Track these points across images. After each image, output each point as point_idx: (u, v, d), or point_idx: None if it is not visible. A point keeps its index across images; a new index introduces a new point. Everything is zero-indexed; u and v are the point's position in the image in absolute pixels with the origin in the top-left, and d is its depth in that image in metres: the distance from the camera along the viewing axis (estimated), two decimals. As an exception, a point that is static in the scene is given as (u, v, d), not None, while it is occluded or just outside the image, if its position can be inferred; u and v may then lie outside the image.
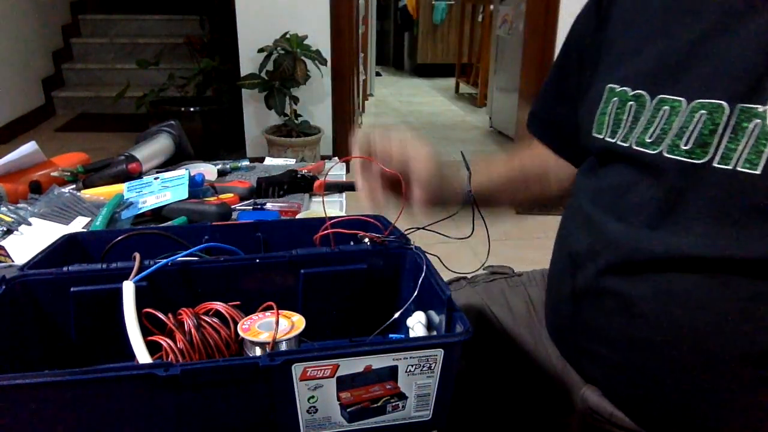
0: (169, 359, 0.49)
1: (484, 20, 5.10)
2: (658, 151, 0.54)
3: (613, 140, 0.59)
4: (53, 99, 4.45)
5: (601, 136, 0.61)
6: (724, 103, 0.49)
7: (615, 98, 0.60)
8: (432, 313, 0.57)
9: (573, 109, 0.69)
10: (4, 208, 0.87)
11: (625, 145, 0.57)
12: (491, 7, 4.60)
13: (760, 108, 0.47)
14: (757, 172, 0.47)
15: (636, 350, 0.56)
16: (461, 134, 4.36)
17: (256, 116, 3.30)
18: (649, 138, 0.55)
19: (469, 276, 0.82)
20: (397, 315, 0.60)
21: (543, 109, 0.77)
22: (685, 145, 0.52)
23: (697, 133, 0.51)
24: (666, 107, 0.54)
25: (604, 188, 0.61)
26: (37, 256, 0.59)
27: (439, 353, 0.47)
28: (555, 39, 3.18)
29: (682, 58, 0.54)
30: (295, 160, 1.38)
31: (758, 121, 0.47)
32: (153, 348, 0.50)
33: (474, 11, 5.55)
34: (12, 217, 0.84)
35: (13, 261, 0.75)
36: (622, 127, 0.58)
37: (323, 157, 3.28)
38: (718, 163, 0.49)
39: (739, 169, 0.48)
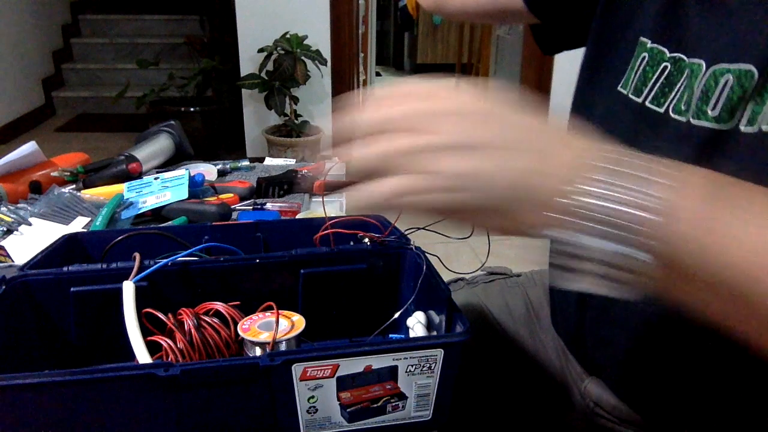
0: (169, 359, 0.49)
1: (484, 20, 5.10)
2: (686, 119, 0.51)
3: (639, 100, 0.55)
4: (53, 99, 4.45)
5: (625, 92, 0.57)
6: (753, 69, 0.46)
7: (644, 54, 0.56)
8: (432, 313, 0.57)
9: None
10: (4, 208, 0.87)
11: (659, 110, 0.53)
12: (491, 7, 4.60)
13: None
14: None
15: (646, 333, 0.55)
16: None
17: (256, 116, 3.30)
18: (685, 105, 0.51)
19: (467, 277, 0.82)
20: (397, 315, 0.60)
21: None
22: (713, 111, 0.49)
23: (725, 99, 0.48)
24: (687, 69, 0.51)
25: None
26: (37, 256, 0.59)
27: (439, 353, 0.47)
28: (555, 39, 3.18)
29: (706, 23, 0.50)
30: (295, 160, 1.38)
31: None
32: (153, 348, 0.51)
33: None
34: (12, 217, 0.84)
35: (13, 261, 0.75)
36: (649, 87, 0.54)
37: (323, 157, 3.28)
38: (745, 127, 0.47)
39: (763, 128, 0.46)
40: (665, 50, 0.54)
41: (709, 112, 0.49)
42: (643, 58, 0.56)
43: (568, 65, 2.65)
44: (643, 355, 0.57)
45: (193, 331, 0.50)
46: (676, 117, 0.52)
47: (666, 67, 0.53)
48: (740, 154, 0.47)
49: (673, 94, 0.52)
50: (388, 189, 0.36)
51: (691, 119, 0.50)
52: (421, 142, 0.35)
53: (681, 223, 0.32)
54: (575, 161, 0.35)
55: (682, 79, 0.52)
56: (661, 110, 0.53)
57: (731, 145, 0.48)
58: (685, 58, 0.52)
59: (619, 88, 0.58)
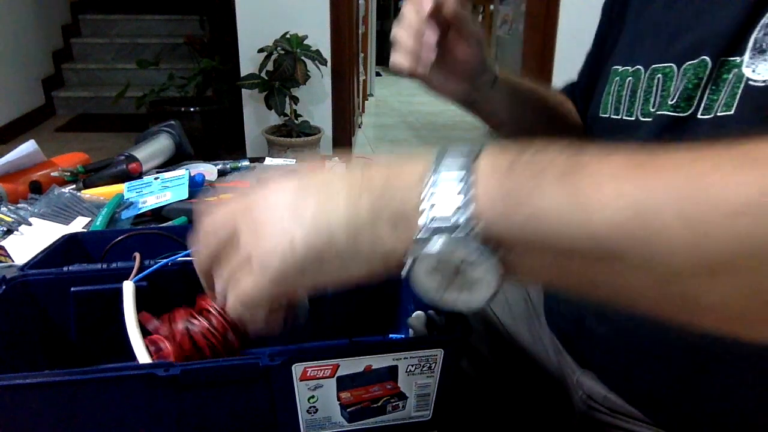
0: (162, 351, 0.49)
1: (484, 20, 5.10)
2: (652, 118, 0.55)
3: (618, 116, 0.60)
4: (53, 99, 4.45)
5: (606, 116, 0.62)
6: (707, 58, 0.50)
7: (617, 78, 0.62)
8: (432, 313, 0.57)
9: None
10: (4, 208, 0.87)
11: (631, 119, 0.59)
12: (491, 7, 4.61)
13: (738, 59, 0.48)
14: (731, 113, 0.48)
15: (634, 323, 0.56)
16: (461, 134, 4.36)
17: (256, 116, 3.30)
18: (653, 107, 0.56)
19: None
20: (396, 315, 0.60)
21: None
22: (672, 101, 0.53)
23: (682, 88, 0.52)
24: (659, 75, 0.55)
25: None
26: (37, 256, 0.59)
27: (439, 353, 0.47)
28: (555, 39, 3.18)
29: (673, 30, 0.56)
30: (295, 160, 1.38)
31: (735, 70, 0.48)
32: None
33: (474, 11, 5.55)
34: (12, 217, 0.84)
35: (13, 261, 0.75)
36: (623, 103, 0.60)
37: (323, 157, 3.28)
38: (702, 115, 0.50)
39: (718, 114, 0.49)
40: (628, 68, 0.61)
41: (669, 102, 0.53)
42: (616, 82, 0.62)
43: (568, 65, 2.65)
44: (630, 345, 0.58)
45: (189, 329, 0.50)
46: (645, 119, 0.57)
47: (629, 81, 0.60)
48: (699, 140, 0.48)
49: (638, 101, 0.58)
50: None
51: (653, 113, 0.55)
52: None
53: (480, 204, 0.30)
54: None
55: (641, 86, 0.57)
56: (633, 118, 0.58)
57: (690, 133, 0.51)
58: (641, 68, 0.58)
59: (600, 114, 0.64)
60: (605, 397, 0.62)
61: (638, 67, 0.59)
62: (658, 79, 0.55)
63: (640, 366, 0.58)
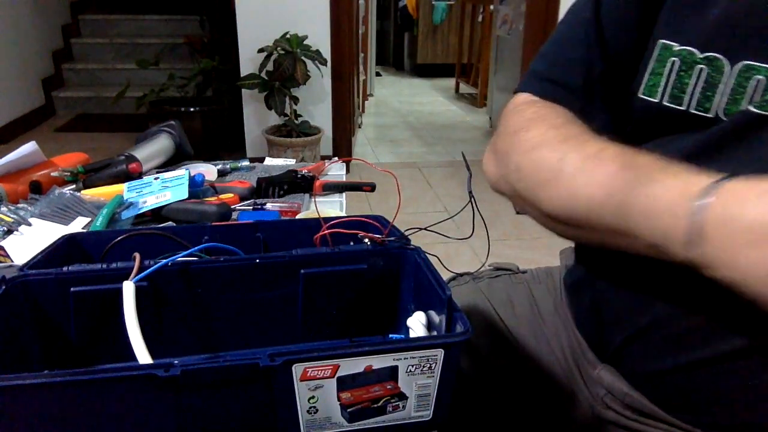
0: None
1: (484, 20, 5.10)
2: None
3: (682, 107, 0.53)
4: (53, 99, 4.45)
5: (656, 101, 0.55)
6: None
7: (673, 58, 0.53)
8: (432, 313, 0.57)
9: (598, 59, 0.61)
10: (4, 208, 0.87)
11: (705, 114, 0.51)
12: (491, 7, 4.61)
13: None
14: None
15: (668, 317, 0.54)
16: (461, 134, 4.36)
17: (256, 116, 3.30)
18: (742, 107, 0.49)
19: (473, 273, 0.82)
20: (396, 315, 0.60)
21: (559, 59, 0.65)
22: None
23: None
24: (760, 77, 0.48)
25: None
26: (37, 256, 0.59)
27: (440, 353, 0.47)
28: (555, 39, 3.18)
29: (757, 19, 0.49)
30: (295, 160, 1.38)
31: None
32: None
33: (474, 11, 5.55)
34: (12, 218, 0.84)
35: (13, 261, 0.75)
36: (689, 94, 0.52)
37: (323, 157, 3.28)
38: None
39: None
40: (695, 51, 0.52)
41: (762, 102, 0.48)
42: (673, 63, 0.53)
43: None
44: (662, 339, 0.56)
45: None
46: (726, 119, 0.50)
47: (702, 70, 0.51)
48: None
49: (720, 98, 0.50)
50: None
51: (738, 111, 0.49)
52: None
53: None
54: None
55: (725, 81, 0.50)
56: (710, 115, 0.51)
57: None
58: (722, 58, 0.50)
59: (643, 95, 0.56)
60: (626, 393, 0.61)
61: (716, 55, 0.50)
62: (758, 81, 0.48)
63: (669, 362, 0.55)
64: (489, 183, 0.64)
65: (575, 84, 0.61)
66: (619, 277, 0.60)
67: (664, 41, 0.54)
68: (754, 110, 0.48)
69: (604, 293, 0.63)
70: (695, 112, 0.52)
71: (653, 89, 0.55)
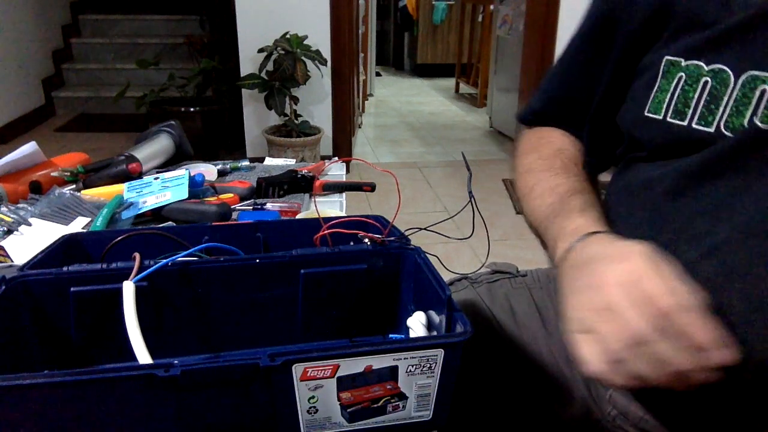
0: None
1: (484, 20, 5.10)
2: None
3: (683, 122, 0.53)
4: (53, 99, 4.45)
5: (659, 118, 0.55)
6: None
7: (680, 73, 0.54)
8: (432, 313, 0.57)
9: (593, 85, 0.66)
10: (4, 208, 0.87)
11: (706, 129, 0.51)
12: (491, 7, 4.61)
13: None
14: None
15: None
16: (461, 134, 4.36)
17: (256, 116, 3.30)
18: (746, 121, 0.48)
19: (471, 275, 0.81)
20: (396, 315, 0.60)
21: (560, 88, 0.73)
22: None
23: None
24: (766, 86, 0.48)
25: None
26: (37, 256, 0.59)
27: (440, 353, 0.47)
28: (555, 39, 3.19)
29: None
30: (295, 160, 1.38)
31: None
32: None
33: (474, 11, 5.55)
34: (12, 218, 0.84)
35: (13, 261, 0.75)
36: (693, 108, 0.52)
37: (323, 157, 3.28)
38: None
39: None
40: (701, 64, 0.52)
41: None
42: (680, 79, 0.54)
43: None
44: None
45: None
46: (729, 134, 0.50)
47: (706, 83, 0.51)
48: None
49: (723, 110, 0.50)
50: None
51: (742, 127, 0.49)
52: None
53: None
54: None
55: (729, 93, 0.50)
56: (710, 129, 0.51)
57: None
58: (727, 69, 0.50)
59: (648, 114, 0.56)
60: (641, 418, 0.60)
61: (721, 67, 0.50)
62: (763, 92, 0.48)
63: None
64: None
65: (577, 110, 0.71)
66: None
67: (669, 57, 0.55)
68: (762, 125, 0.47)
69: None
70: (696, 126, 0.52)
71: (659, 106, 0.56)
